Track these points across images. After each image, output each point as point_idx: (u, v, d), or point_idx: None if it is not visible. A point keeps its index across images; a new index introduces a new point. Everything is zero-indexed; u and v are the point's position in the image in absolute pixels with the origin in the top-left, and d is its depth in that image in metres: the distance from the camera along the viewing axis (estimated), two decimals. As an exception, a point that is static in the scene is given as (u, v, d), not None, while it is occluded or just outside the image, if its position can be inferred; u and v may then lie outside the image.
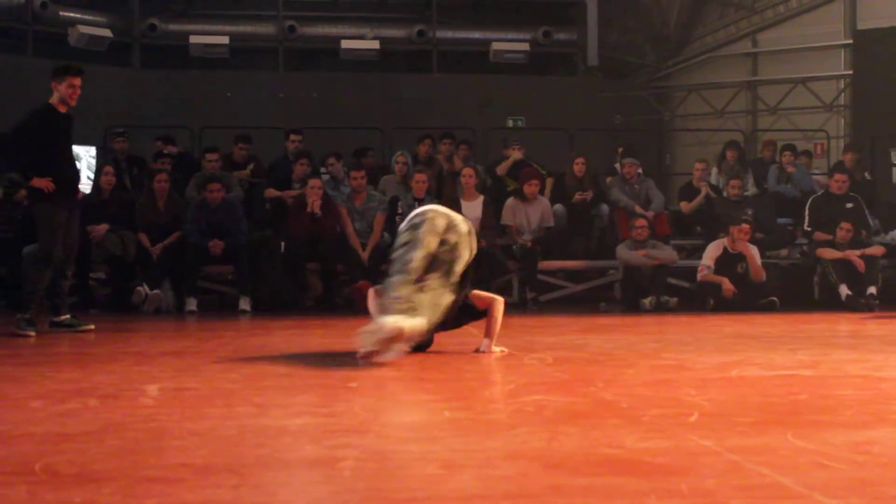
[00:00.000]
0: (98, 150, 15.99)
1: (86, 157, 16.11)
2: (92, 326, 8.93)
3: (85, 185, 14.33)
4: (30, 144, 8.72)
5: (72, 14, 18.07)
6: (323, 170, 13.39)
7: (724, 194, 13.69)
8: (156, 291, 11.35)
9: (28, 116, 8.82)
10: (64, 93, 8.66)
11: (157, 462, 3.44)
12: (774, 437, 3.84)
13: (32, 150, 8.74)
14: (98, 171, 13.03)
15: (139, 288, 11.31)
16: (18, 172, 9.78)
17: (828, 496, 2.93)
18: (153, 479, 3.18)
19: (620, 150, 14.98)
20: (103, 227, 11.62)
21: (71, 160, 9.15)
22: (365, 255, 11.98)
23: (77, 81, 8.70)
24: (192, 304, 11.41)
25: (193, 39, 18.62)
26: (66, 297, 9.18)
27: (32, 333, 8.36)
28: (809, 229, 12.74)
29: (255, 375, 5.74)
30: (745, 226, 11.84)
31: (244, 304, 11.48)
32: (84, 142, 16.07)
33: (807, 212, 12.86)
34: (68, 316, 8.93)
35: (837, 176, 13.03)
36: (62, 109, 8.75)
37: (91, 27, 17.93)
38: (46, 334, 8.49)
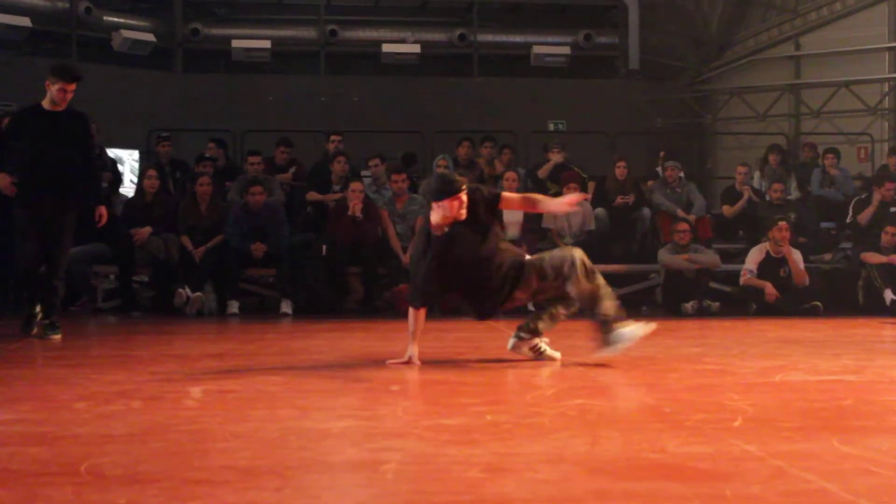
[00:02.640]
0: (141, 153, 16.12)
1: (129, 160, 16.26)
2: (58, 337, 8.33)
3: (128, 189, 14.47)
4: (11, 145, 8.46)
5: (115, 19, 18.24)
6: (365, 172, 13.42)
7: (767, 198, 13.62)
8: (198, 294, 11.41)
9: (10, 116, 8.67)
10: (54, 95, 8.29)
11: (200, 464, 3.45)
12: (819, 443, 3.81)
13: (14, 151, 8.44)
14: (141, 175, 13.12)
15: (181, 290, 11.37)
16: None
17: (874, 503, 2.90)
18: (197, 481, 3.19)
19: (662, 154, 14.93)
20: (146, 230, 11.71)
21: (56, 161, 8.43)
22: (406, 258, 11.97)
23: (70, 87, 8.27)
24: (233, 306, 11.46)
25: (235, 44, 18.75)
26: (57, 301, 8.54)
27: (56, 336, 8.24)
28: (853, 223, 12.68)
29: (297, 378, 5.75)
30: (783, 223, 11.76)
31: (286, 307, 11.52)
32: (127, 145, 16.22)
33: (851, 210, 12.80)
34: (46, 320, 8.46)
35: (888, 185, 12.95)
36: (54, 108, 8.36)
37: (134, 32, 18.10)
38: (90, 337, 8.53)
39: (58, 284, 8.50)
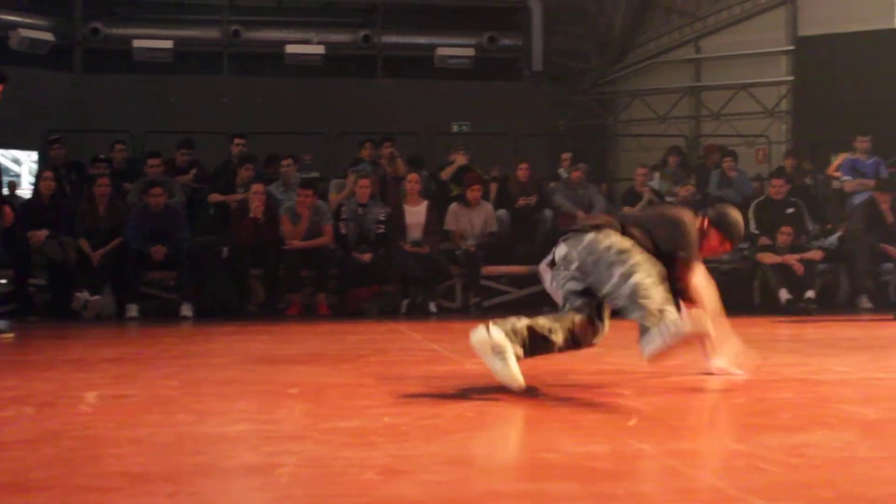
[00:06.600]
0: (39, 154, 15.86)
1: (27, 161, 15.98)
2: (11, 335, 8.70)
3: (25, 191, 14.22)
4: None
5: (13, 17, 17.91)
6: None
7: (668, 199, 13.80)
8: (96, 297, 11.27)
9: None
10: None
11: (92, 471, 3.40)
12: (712, 441, 3.87)
13: None
14: (38, 177, 12.90)
15: (79, 294, 11.21)
16: None
17: (763, 499, 2.95)
18: (88, 488, 3.15)
19: (568, 156, 15.02)
20: (43, 233, 11.51)
21: None
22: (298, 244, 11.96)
23: None
24: (133, 310, 11.33)
25: (137, 44, 18.53)
26: None
27: None
28: (757, 232, 12.87)
29: (195, 382, 5.70)
30: None
31: (186, 310, 11.42)
32: (25, 146, 15.94)
33: (751, 215, 13.00)
34: None
35: (774, 181, 13.23)
36: None
37: (32, 31, 17.79)
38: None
39: None
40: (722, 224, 5.65)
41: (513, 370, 4.89)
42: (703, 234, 5.61)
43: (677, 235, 5.41)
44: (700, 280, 5.44)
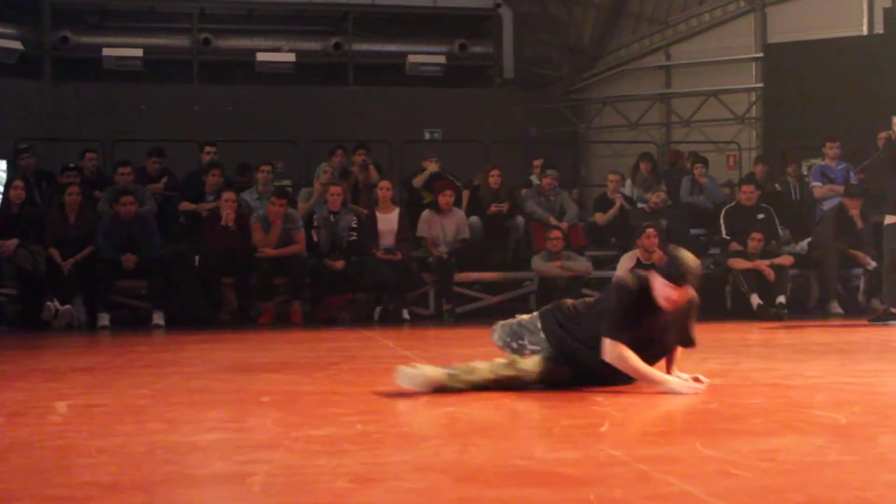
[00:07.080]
0: (9, 163, 15.76)
1: (-3, 170, 15.88)
2: None
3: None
4: None
5: (-19, 27, 17.81)
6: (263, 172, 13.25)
7: (640, 205, 13.85)
8: (67, 307, 11.20)
9: None
10: None
11: (63, 481, 3.39)
12: (683, 446, 3.88)
13: None
14: (7, 186, 12.81)
15: (50, 303, 11.14)
16: None
17: (733, 504, 2.97)
18: (60, 498, 3.13)
19: (539, 162, 15.04)
20: (13, 242, 11.43)
21: None
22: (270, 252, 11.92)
23: None
24: (104, 319, 11.26)
25: (106, 52, 18.43)
26: None
27: None
28: (729, 238, 12.92)
29: (167, 391, 5.68)
30: (651, 230, 11.95)
31: (158, 318, 11.37)
32: (-6, 155, 15.85)
33: (722, 222, 13.05)
34: None
35: (745, 188, 13.29)
36: None
37: (1, 39, 17.66)
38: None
39: None
40: (663, 268, 5.39)
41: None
42: (651, 286, 5.39)
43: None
44: (610, 357, 5.34)
